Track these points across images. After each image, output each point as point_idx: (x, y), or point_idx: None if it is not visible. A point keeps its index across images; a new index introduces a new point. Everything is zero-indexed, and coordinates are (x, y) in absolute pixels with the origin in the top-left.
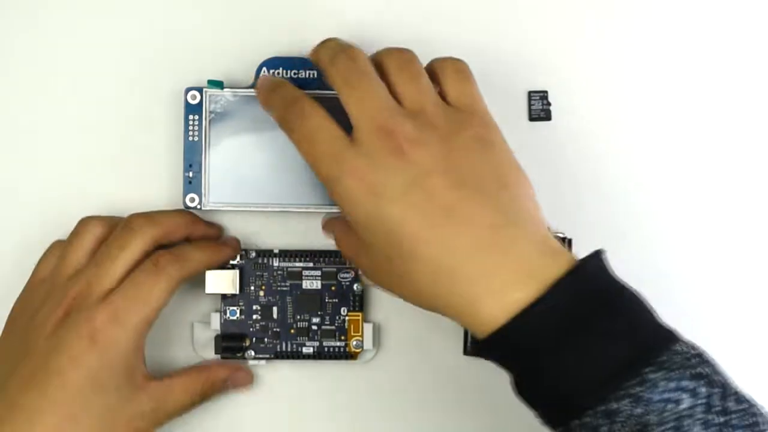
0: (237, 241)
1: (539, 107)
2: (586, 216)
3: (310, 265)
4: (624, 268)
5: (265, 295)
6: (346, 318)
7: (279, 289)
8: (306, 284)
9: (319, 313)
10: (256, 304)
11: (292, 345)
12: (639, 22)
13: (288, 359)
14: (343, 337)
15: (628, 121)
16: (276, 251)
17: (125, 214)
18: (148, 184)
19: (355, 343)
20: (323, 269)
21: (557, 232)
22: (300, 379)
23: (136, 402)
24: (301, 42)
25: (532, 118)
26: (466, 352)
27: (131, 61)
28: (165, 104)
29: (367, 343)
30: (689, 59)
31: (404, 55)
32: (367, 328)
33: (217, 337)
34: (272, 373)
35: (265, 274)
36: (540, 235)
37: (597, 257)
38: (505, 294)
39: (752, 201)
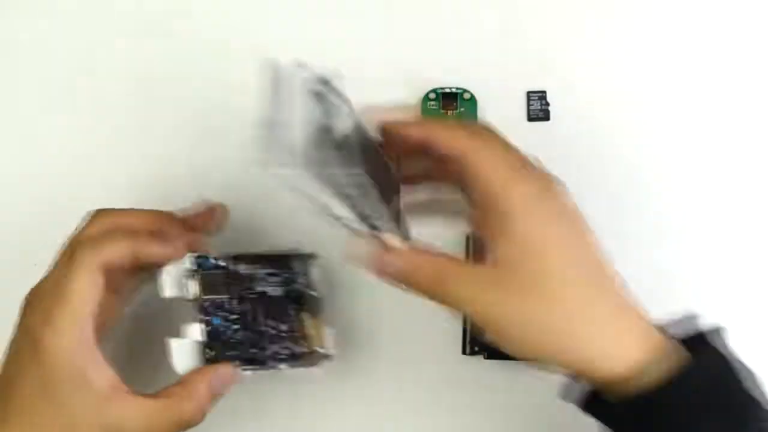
0: (185, 241)
1: (538, 107)
2: (585, 216)
3: (272, 271)
4: (622, 268)
5: (236, 304)
6: (306, 324)
7: (247, 296)
8: (269, 290)
9: (284, 319)
10: (229, 313)
11: (268, 352)
12: (637, 23)
13: (265, 367)
14: (305, 343)
15: (626, 121)
16: (235, 255)
17: None
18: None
19: (318, 348)
20: (284, 275)
21: None
22: (294, 382)
23: (100, 413)
24: None
25: (530, 119)
26: (464, 351)
27: None
28: None
29: (329, 347)
30: (687, 60)
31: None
32: (329, 333)
33: (201, 345)
34: (255, 381)
35: (231, 283)
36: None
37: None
38: (633, 357)
39: (751, 200)
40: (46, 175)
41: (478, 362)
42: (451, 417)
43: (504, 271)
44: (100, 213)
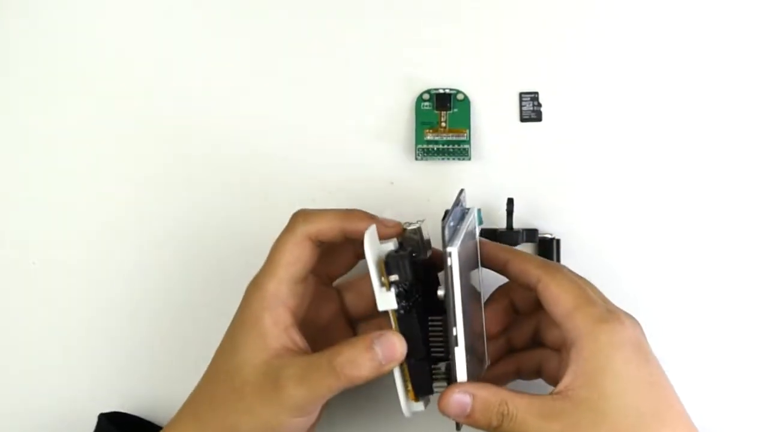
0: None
1: (530, 108)
2: (575, 216)
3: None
4: (611, 268)
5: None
6: None
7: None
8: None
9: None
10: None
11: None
12: (628, 25)
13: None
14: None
15: (617, 122)
16: None
17: None
18: None
19: None
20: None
21: (545, 233)
22: None
23: (263, 356)
24: None
25: (523, 119)
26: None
27: None
28: None
29: None
30: (679, 61)
31: None
32: None
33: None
34: None
35: None
36: None
37: None
38: None
39: (742, 200)
40: (47, 175)
41: None
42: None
43: (566, 400)
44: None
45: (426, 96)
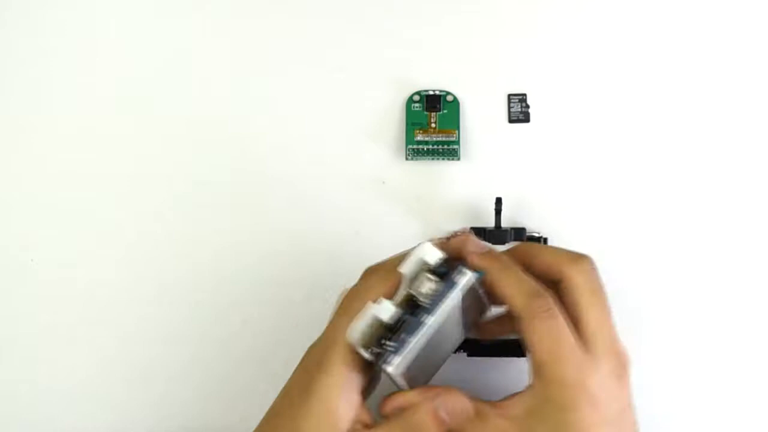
0: None
1: (518, 110)
2: (562, 214)
3: None
4: (598, 266)
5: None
6: None
7: None
8: None
9: None
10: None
11: None
12: (616, 27)
13: None
14: None
15: (604, 123)
16: None
17: None
18: None
19: None
20: None
21: (533, 231)
22: None
23: None
24: None
25: (511, 120)
26: None
27: None
28: None
29: None
30: (667, 63)
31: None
32: None
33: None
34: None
35: None
36: None
37: None
38: None
39: (731, 202)
40: (47, 174)
41: (461, 358)
42: None
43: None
44: (373, 273)
45: (416, 97)
